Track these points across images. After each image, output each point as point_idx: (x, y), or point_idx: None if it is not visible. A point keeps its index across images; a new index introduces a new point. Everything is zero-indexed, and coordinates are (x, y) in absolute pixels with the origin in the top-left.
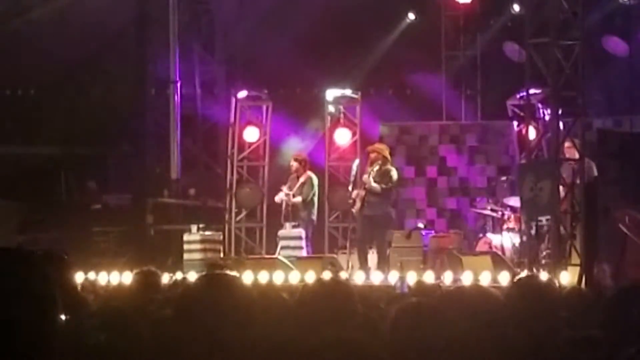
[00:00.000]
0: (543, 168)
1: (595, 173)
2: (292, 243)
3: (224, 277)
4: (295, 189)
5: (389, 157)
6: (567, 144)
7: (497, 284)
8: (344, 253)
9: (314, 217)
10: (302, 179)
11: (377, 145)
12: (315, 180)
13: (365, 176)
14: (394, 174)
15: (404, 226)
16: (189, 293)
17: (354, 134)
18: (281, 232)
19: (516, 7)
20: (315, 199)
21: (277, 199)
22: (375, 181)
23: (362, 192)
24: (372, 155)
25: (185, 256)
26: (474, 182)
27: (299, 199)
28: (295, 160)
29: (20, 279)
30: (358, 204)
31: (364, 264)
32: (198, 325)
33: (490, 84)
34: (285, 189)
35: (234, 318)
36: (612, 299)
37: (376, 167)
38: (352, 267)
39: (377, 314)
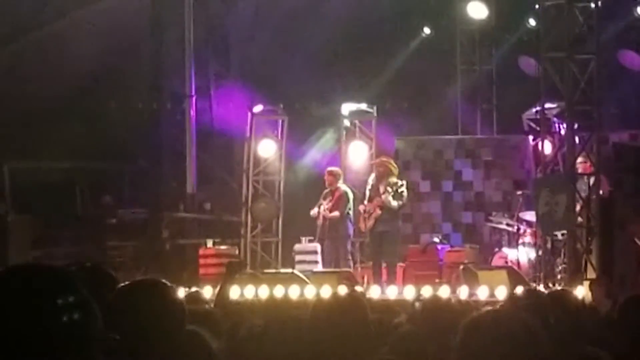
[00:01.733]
0: (559, 182)
1: (606, 187)
2: (308, 257)
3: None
4: (331, 204)
5: (394, 170)
6: (580, 159)
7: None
8: (360, 267)
9: (351, 231)
10: (337, 194)
11: (384, 159)
12: (350, 195)
13: (384, 196)
14: (405, 189)
15: (419, 240)
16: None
17: (369, 148)
18: (297, 247)
19: (532, 22)
20: (351, 212)
21: (314, 212)
22: (394, 199)
23: (378, 211)
24: (381, 170)
25: (201, 270)
26: (490, 196)
27: (336, 213)
28: (330, 174)
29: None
30: (371, 222)
31: (378, 278)
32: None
33: (506, 98)
34: (324, 203)
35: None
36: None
37: (396, 187)
38: (368, 281)
39: (389, 329)
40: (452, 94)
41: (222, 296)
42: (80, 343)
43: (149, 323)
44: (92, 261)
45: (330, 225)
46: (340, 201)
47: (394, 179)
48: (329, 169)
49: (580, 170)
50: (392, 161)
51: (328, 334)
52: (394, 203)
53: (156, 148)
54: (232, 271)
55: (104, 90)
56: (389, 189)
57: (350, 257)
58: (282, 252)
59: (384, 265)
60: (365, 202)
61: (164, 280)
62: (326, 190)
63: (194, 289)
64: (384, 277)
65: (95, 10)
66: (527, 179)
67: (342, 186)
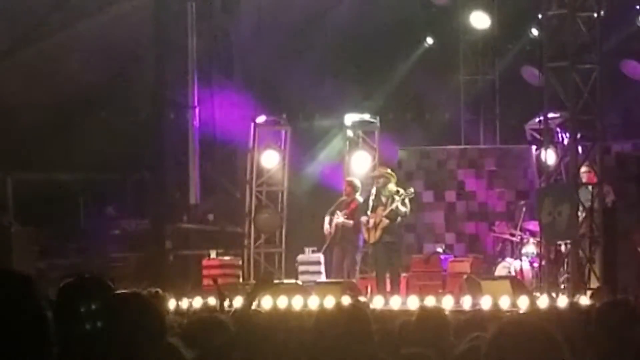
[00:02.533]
0: (562, 192)
1: (612, 197)
2: (311, 268)
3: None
4: (343, 212)
5: (393, 178)
6: (583, 169)
7: (516, 308)
8: (363, 278)
9: (361, 242)
10: (353, 205)
11: (382, 169)
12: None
13: (394, 204)
14: (408, 198)
15: (423, 251)
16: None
17: (372, 159)
18: (300, 257)
19: (534, 31)
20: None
21: (327, 227)
22: (402, 205)
23: (386, 221)
24: (381, 180)
25: (205, 281)
26: (493, 206)
27: (350, 222)
28: (349, 185)
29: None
30: (378, 233)
31: (382, 288)
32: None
33: (509, 108)
34: (340, 214)
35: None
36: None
37: (403, 196)
38: (371, 291)
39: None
40: (455, 104)
41: (246, 308)
42: (34, 348)
43: (128, 333)
44: (92, 272)
45: (342, 234)
46: (356, 212)
47: (394, 187)
48: (349, 179)
49: (584, 180)
50: (388, 170)
51: (331, 344)
52: (403, 209)
53: (159, 159)
54: (262, 287)
55: (107, 101)
56: (396, 197)
57: (357, 268)
58: (285, 263)
59: (387, 275)
60: (368, 212)
61: (151, 292)
62: (342, 199)
63: (210, 299)
64: (388, 287)
65: (98, 21)
66: (530, 188)
67: (359, 198)
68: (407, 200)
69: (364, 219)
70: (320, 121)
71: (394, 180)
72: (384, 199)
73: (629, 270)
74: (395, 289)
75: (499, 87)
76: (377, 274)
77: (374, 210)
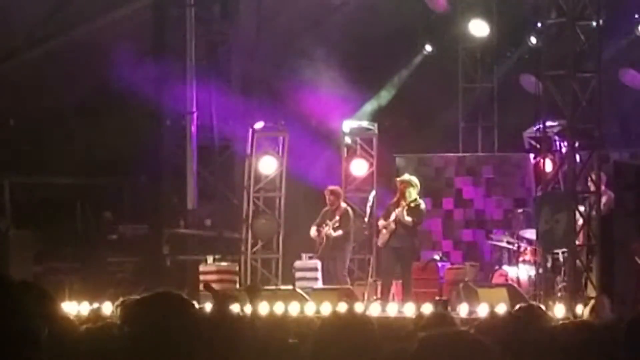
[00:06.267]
0: (559, 201)
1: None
2: (308, 274)
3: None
4: (333, 222)
5: (415, 187)
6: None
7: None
8: (360, 284)
9: (351, 248)
10: (338, 213)
11: (406, 178)
12: (351, 212)
13: (398, 210)
14: (423, 207)
15: (420, 258)
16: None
17: (370, 166)
18: (297, 264)
19: (533, 40)
20: (352, 230)
21: (314, 233)
22: (408, 215)
23: (393, 226)
24: (401, 187)
25: (202, 287)
26: (490, 214)
27: (340, 232)
28: (332, 193)
29: None
30: (385, 237)
31: (387, 295)
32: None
33: (507, 116)
34: (330, 224)
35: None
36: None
37: (413, 203)
38: (368, 298)
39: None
40: (453, 111)
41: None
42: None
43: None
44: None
45: (333, 244)
46: (343, 219)
47: (414, 195)
48: (331, 188)
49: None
50: (413, 177)
51: (336, 354)
52: (407, 218)
53: (157, 164)
54: (252, 296)
55: (105, 106)
56: (404, 204)
57: (346, 274)
58: (282, 269)
59: (394, 282)
60: (366, 219)
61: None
62: (326, 209)
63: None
64: (399, 295)
65: (97, 26)
66: (527, 197)
67: (343, 204)
68: (416, 209)
69: (381, 223)
70: (318, 127)
71: (416, 188)
72: (406, 208)
73: (626, 279)
74: (407, 296)
75: (498, 95)
76: (383, 280)
77: (388, 215)
